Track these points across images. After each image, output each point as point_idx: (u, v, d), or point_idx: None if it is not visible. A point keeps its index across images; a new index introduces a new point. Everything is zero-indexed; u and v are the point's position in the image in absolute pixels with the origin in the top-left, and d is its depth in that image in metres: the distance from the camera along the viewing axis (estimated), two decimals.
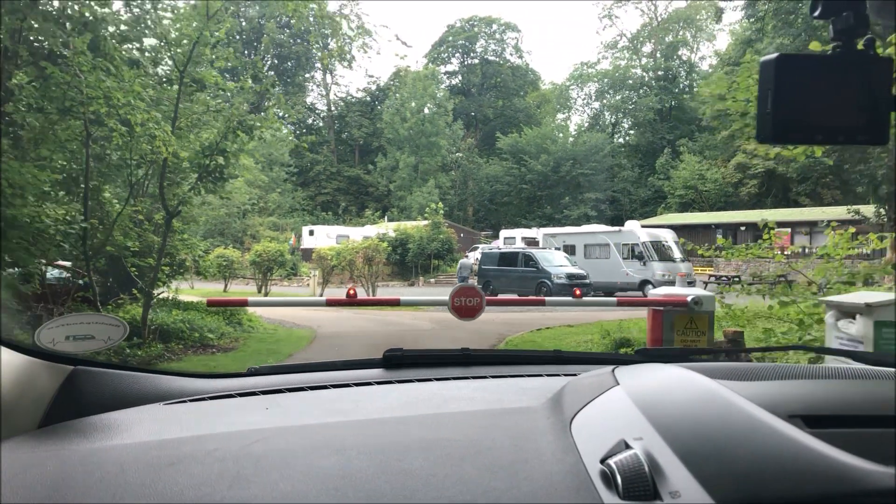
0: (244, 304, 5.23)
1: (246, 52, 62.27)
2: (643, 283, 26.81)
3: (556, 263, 25.60)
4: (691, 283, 27.45)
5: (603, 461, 0.95)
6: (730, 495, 0.83)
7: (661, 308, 6.04)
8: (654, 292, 6.45)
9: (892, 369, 1.39)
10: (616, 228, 30.55)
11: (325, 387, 1.56)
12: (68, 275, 10.68)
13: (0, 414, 1.21)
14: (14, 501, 0.95)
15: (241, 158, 10.74)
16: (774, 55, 1.06)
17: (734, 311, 9.48)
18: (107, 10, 9.39)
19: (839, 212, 33.86)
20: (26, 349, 1.35)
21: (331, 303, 5.85)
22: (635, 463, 0.91)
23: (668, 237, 28.39)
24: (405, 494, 0.94)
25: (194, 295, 24.70)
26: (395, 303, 6.00)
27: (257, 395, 1.50)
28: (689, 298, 5.98)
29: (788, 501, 0.81)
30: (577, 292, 6.08)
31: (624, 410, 1.10)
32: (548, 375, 1.64)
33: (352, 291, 5.53)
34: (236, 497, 0.94)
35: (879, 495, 0.79)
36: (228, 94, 12.48)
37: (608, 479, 0.92)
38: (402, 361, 1.72)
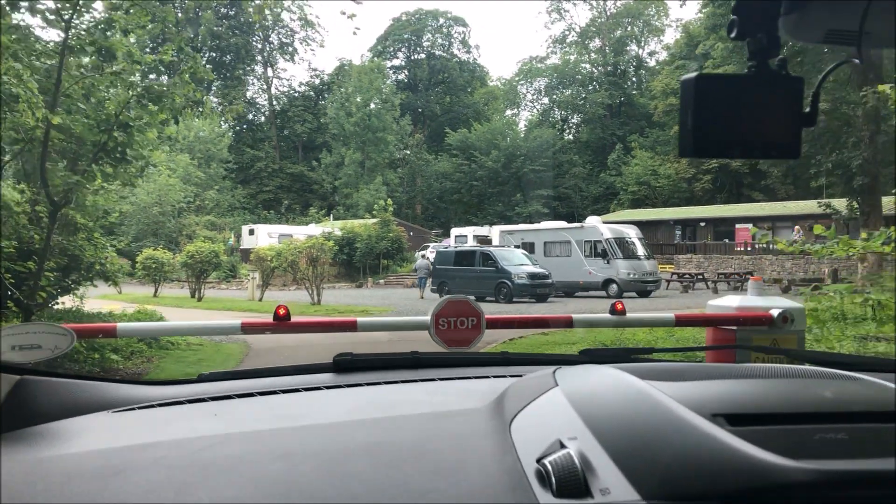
0: (111, 333, 3.12)
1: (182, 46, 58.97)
2: (607, 282, 25.28)
3: (517, 262, 23.78)
4: (656, 283, 26.04)
5: (539, 461, 0.98)
6: (655, 491, 0.86)
7: (733, 328, 4.20)
8: (721, 303, 4.58)
9: (821, 368, 1.41)
10: (577, 225, 28.93)
11: (274, 392, 1.54)
12: None
13: None
14: None
15: (148, 135, 8.52)
16: (694, 74, 1.09)
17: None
18: None
19: (809, 206, 33.20)
20: None
21: (247, 328, 3.74)
22: (568, 462, 0.93)
23: (632, 233, 26.88)
24: (349, 497, 0.95)
25: (123, 300, 22.36)
26: (349, 327, 3.88)
27: (206, 401, 1.48)
28: (774, 313, 4.15)
29: (709, 496, 0.84)
30: (620, 306, 4.17)
31: (561, 411, 1.12)
32: (494, 377, 1.64)
33: (282, 311, 3.49)
34: None
35: (793, 489, 0.83)
36: (145, 68, 10.27)
37: (543, 478, 0.94)
38: (351, 365, 1.72)
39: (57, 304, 11.19)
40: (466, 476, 1.00)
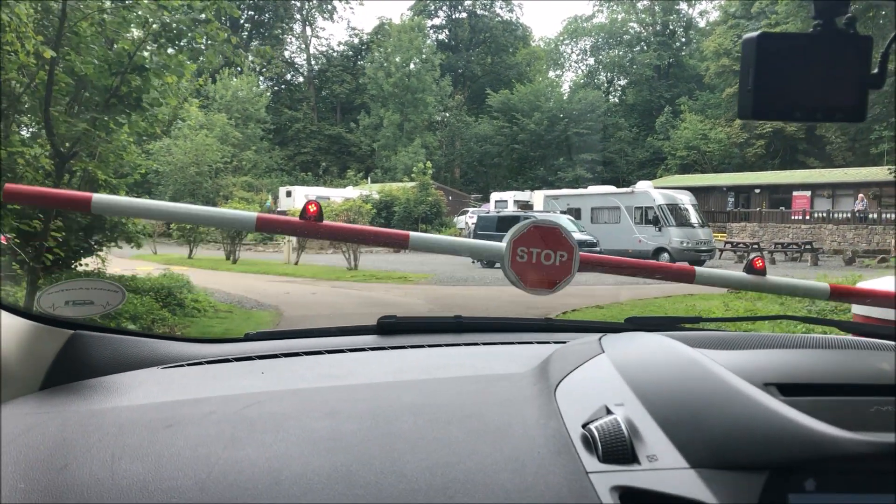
0: (85, 206, 1.95)
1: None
2: (658, 251, 23.94)
3: None
4: (710, 253, 24.64)
5: (585, 426, 0.97)
6: (703, 459, 0.87)
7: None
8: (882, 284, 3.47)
9: (876, 339, 1.36)
10: (627, 190, 27.44)
11: (319, 352, 1.56)
12: None
13: (2, 376, 1.24)
14: (17, 461, 0.98)
15: (167, 79, 7.56)
16: (756, 33, 1.07)
17: None
18: None
19: (872, 173, 31.27)
20: (27, 314, 1.35)
21: (264, 225, 2.29)
22: (615, 428, 0.93)
23: (686, 199, 25.35)
24: (393, 457, 0.96)
25: (157, 261, 21.83)
26: (400, 241, 2.33)
27: (253, 359, 1.50)
28: None
29: (760, 466, 0.84)
30: (759, 263, 3.02)
31: (607, 377, 1.12)
32: (538, 343, 1.65)
33: (313, 208, 2.25)
34: (231, 458, 0.96)
35: (848, 461, 0.83)
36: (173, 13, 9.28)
37: (589, 443, 0.94)
38: (395, 328, 1.71)
39: (80, 265, 10.49)
40: (511, 439, 1.00)
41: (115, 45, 7.47)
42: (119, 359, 1.42)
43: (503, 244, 2.08)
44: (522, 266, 2.30)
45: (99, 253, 10.95)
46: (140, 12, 7.30)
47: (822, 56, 1.06)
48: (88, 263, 10.75)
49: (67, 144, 7.21)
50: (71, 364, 1.36)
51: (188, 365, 1.46)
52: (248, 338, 1.68)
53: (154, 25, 7.33)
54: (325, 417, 1.08)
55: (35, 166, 7.87)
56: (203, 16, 7.71)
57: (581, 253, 2.13)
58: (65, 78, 7.10)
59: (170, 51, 7.49)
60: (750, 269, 3.03)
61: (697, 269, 2.63)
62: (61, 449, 1.01)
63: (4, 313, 1.31)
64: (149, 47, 7.44)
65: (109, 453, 0.98)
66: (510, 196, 42.27)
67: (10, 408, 1.18)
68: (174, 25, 7.43)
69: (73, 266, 10.28)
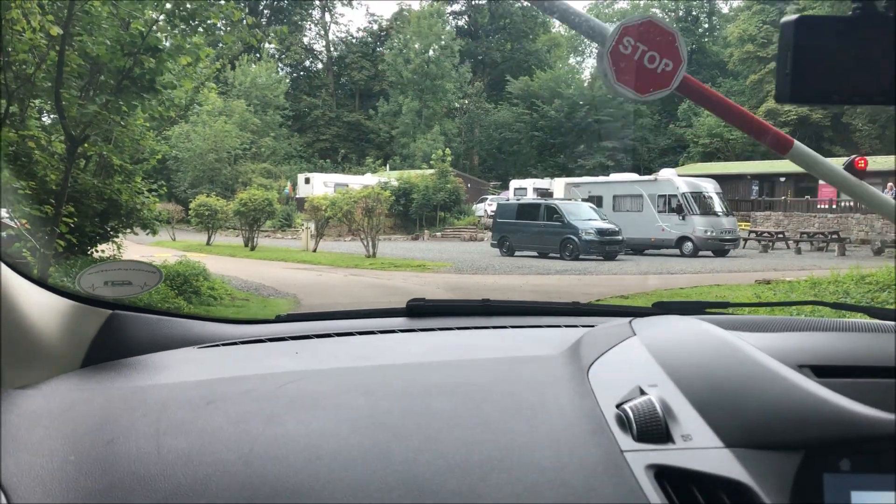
0: None
1: None
2: (681, 240, 23.53)
3: (584, 217, 22.17)
4: (734, 242, 24.14)
5: (619, 406, 0.98)
6: (738, 439, 0.87)
7: None
8: None
9: None
10: (650, 178, 26.95)
11: (350, 333, 1.57)
12: None
13: (45, 353, 1.27)
14: (66, 435, 1.01)
15: (181, 60, 7.33)
16: (795, 16, 1.07)
17: None
18: None
19: None
20: (68, 293, 1.38)
21: None
22: (650, 408, 0.93)
23: (710, 188, 24.87)
24: (430, 434, 0.97)
25: (175, 248, 21.76)
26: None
27: (286, 340, 1.53)
28: None
29: (795, 446, 0.84)
30: (861, 162, 2.73)
31: (640, 359, 1.12)
32: (566, 326, 1.64)
33: None
34: (272, 434, 0.98)
35: (882, 441, 0.82)
36: None
37: (623, 422, 0.95)
38: (425, 310, 1.72)
39: (96, 252, 10.35)
40: (545, 418, 1.00)
41: (130, 27, 7.26)
42: (156, 338, 1.45)
43: (612, 26, 1.78)
44: (622, 57, 1.84)
45: (115, 239, 10.82)
46: None
47: (862, 39, 1.04)
48: (104, 250, 10.61)
49: (80, 128, 6.99)
50: (110, 343, 1.39)
51: (223, 345, 1.48)
52: (279, 319, 1.70)
53: (168, 4, 7.10)
54: (360, 396, 1.10)
55: (50, 151, 7.71)
56: None
57: (685, 73, 1.81)
58: (77, 59, 6.90)
59: (184, 30, 7.25)
60: (851, 167, 2.71)
61: (796, 141, 2.19)
62: (107, 424, 1.04)
63: (46, 293, 1.34)
64: (163, 28, 7.20)
65: (154, 428, 1.01)
66: (529, 184, 41.83)
67: (54, 385, 1.22)
68: (188, 4, 7.19)
69: (89, 252, 10.14)
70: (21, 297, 1.27)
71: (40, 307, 1.30)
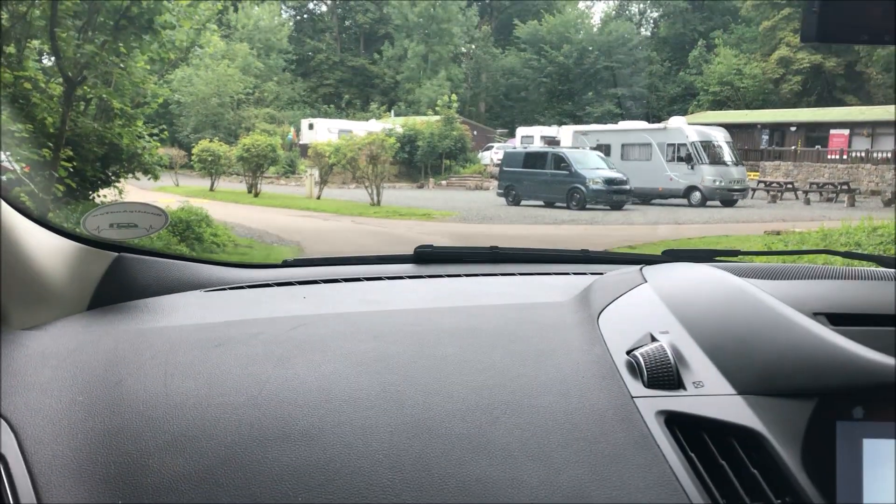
0: None
1: None
2: (689, 190, 23.30)
3: (592, 165, 21.89)
4: (743, 192, 23.89)
5: (629, 352, 0.98)
6: (751, 386, 0.86)
7: None
8: None
9: None
10: (660, 126, 26.53)
11: (358, 279, 1.56)
12: None
13: (51, 295, 1.26)
14: (74, 376, 1.01)
15: (181, 1, 7.07)
16: None
17: None
18: None
19: None
20: (74, 235, 1.38)
21: None
22: (660, 354, 0.93)
23: (720, 136, 24.51)
24: (439, 378, 0.97)
25: (179, 193, 21.60)
26: None
27: (294, 284, 1.52)
28: None
29: (808, 393, 0.83)
30: None
31: (651, 306, 1.11)
32: (575, 274, 1.64)
33: None
34: (282, 376, 0.98)
35: None
36: None
37: (634, 368, 0.94)
38: (432, 257, 1.71)
39: (97, 196, 10.23)
40: (555, 363, 1.00)
41: None
42: (162, 281, 1.44)
43: None
44: None
45: (116, 184, 10.69)
46: None
47: None
48: (106, 195, 10.49)
49: (77, 70, 6.79)
50: (116, 285, 1.38)
51: (230, 289, 1.47)
52: (286, 264, 1.69)
53: None
54: (370, 340, 1.09)
55: (48, 93, 7.51)
56: None
57: None
58: None
59: None
60: None
61: None
62: (115, 366, 1.04)
63: (51, 234, 1.32)
64: None
65: (162, 371, 1.01)
66: (537, 131, 41.30)
67: (61, 326, 1.22)
68: None
69: (90, 198, 10.02)
70: (25, 237, 1.24)
71: (45, 248, 1.28)
